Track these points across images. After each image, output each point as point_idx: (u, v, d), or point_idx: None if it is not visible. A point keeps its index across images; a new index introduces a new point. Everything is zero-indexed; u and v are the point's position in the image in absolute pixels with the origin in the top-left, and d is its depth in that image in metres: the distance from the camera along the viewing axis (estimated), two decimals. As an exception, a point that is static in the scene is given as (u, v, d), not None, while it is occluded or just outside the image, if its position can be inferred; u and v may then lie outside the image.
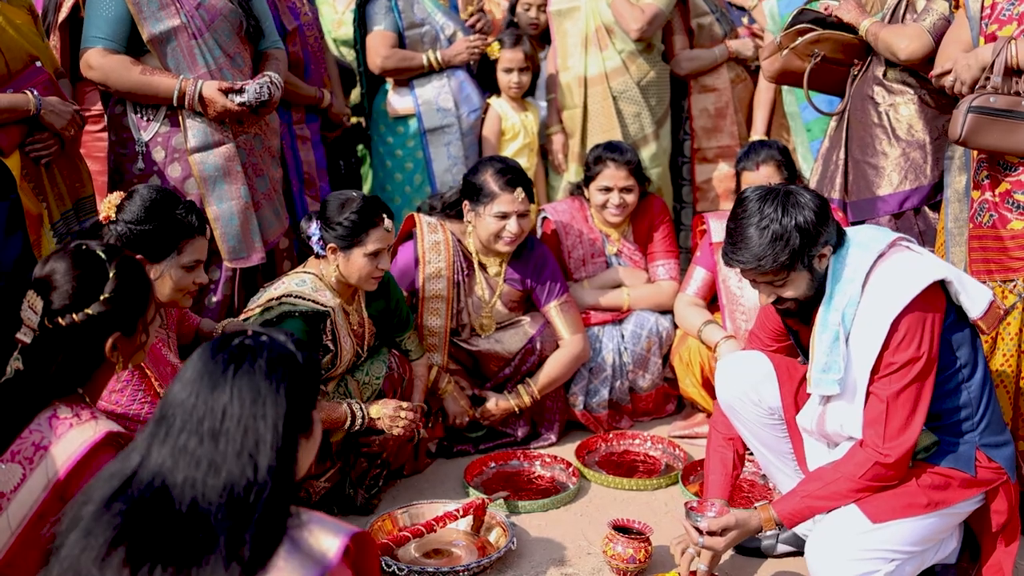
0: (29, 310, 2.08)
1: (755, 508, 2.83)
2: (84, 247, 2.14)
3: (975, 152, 3.29)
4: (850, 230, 2.78)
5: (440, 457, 4.00)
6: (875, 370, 2.65)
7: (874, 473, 2.65)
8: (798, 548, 3.17)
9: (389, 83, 4.77)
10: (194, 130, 3.57)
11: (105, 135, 3.63)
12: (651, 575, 3.10)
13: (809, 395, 2.84)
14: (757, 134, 4.86)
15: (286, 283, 3.44)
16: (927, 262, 2.69)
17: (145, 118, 3.59)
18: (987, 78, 3.08)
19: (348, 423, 3.40)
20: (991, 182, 3.22)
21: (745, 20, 5.02)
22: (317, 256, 3.49)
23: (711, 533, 2.79)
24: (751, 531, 2.80)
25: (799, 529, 3.03)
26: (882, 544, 2.64)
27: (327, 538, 1.62)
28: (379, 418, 3.44)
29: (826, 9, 3.95)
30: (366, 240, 3.39)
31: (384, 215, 3.44)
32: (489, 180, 3.91)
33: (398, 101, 4.73)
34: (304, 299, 3.37)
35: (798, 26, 3.93)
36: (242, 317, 3.44)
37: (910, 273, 2.64)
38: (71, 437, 1.99)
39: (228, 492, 1.56)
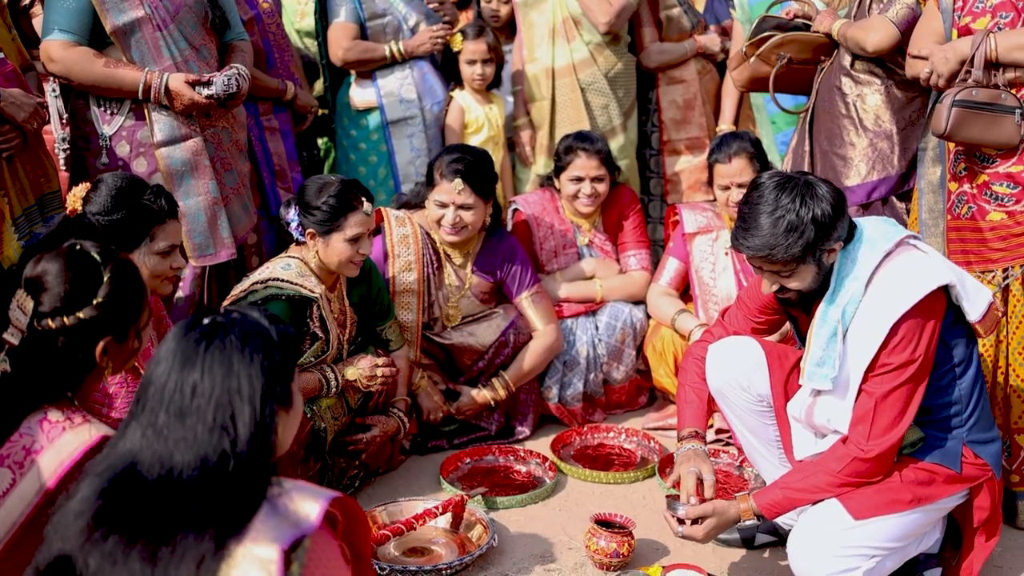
0: (18, 310, 2.01)
1: (735, 498, 2.84)
2: (79, 248, 2.07)
3: (950, 144, 3.32)
4: (861, 222, 2.76)
5: (414, 453, 3.96)
6: (869, 369, 2.64)
7: (853, 469, 2.66)
8: (779, 538, 3.18)
9: (352, 75, 4.70)
10: (160, 124, 3.49)
11: (49, 127, 3.54)
12: (634, 569, 3.09)
13: (800, 384, 2.84)
14: (725, 123, 4.86)
15: (271, 268, 3.40)
16: (933, 264, 2.67)
17: (108, 112, 3.50)
18: (967, 71, 3.11)
19: (324, 389, 3.39)
20: (969, 174, 3.26)
21: (734, 13, 5.01)
22: (297, 243, 3.44)
23: (693, 522, 2.79)
24: (730, 520, 2.81)
25: (781, 520, 3.05)
26: (863, 541, 2.65)
27: (307, 503, 1.63)
28: (355, 379, 3.43)
29: (787, 14, 3.98)
30: (344, 225, 3.34)
31: (363, 198, 3.40)
32: (437, 166, 3.90)
33: (360, 93, 4.66)
34: (291, 283, 3.32)
35: (761, 35, 3.95)
36: (226, 303, 3.39)
37: (915, 276, 2.62)
38: (65, 441, 1.93)
39: (202, 465, 1.57)
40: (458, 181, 3.83)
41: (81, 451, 1.91)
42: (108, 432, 1.97)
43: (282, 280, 3.33)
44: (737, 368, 2.97)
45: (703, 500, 2.83)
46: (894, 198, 3.81)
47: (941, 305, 2.66)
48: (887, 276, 2.65)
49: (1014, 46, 3.07)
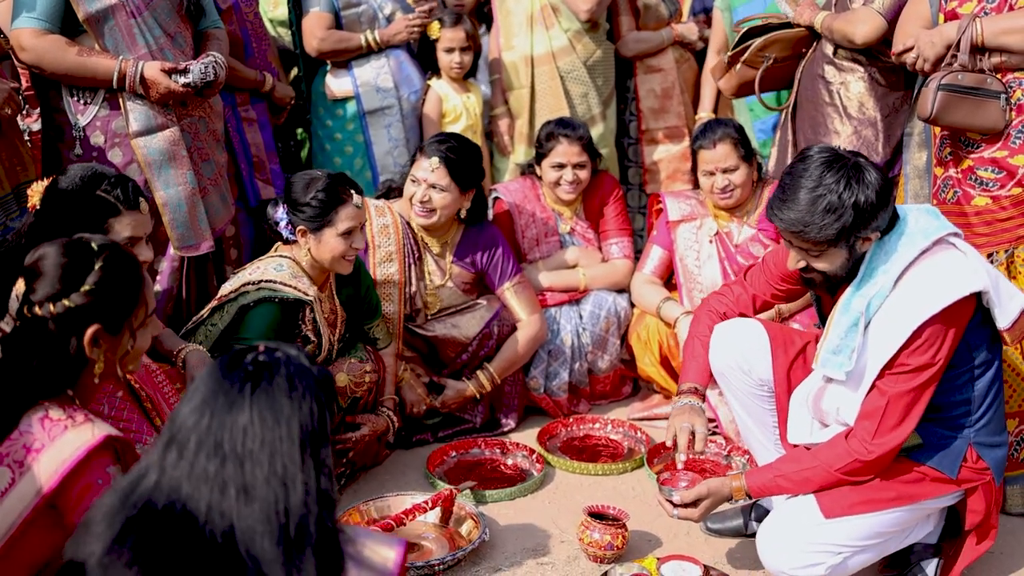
0: (13, 298, 1.95)
1: (728, 476, 2.84)
2: (80, 238, 2.03)
3: (936, 129, 3.32)
4: (905, 212, 2.67)
5: (398, 447, 3.90)
6: (887, 366, 2.59)
7: (850, 468, 2.63)
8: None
9: (328, 64, 4.63)
10: (135, 113, 3.40)
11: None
12: (627, 561, 3.05)
13: (803, 373, 2.82)
14: (705, 111, 4.84)
15: (262, 268, 3.32)
16: (968, 267, 2.58)
17: (82, 101, 3.41)
18: (953, 56, 3.11)
19: None
20: (954, 159, 3.25)
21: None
22: (286, 241, 3.37)
23: (686, 505, 2.79)
24: (723, 499, 2.81)
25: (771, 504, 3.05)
26: (831, 538, 2.64)
27: (383, 549, 1.63)
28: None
29: (766, 19, 3.97)
30: (336, 219, 3.28)
31: (352, 191, 3.34)
32: (423, 146, 3.89)
33: (336, 83, 4.60)
34: (285, 285, 3.25)
35: (744, 44, 3.94)
36: (214, 303, 3.31)
37: (948, 279, 2.54)
38: (67, 440, 1.86)
39: (267, 519, 1.48)
40: (435, 159, 3.78)
41: (84, 451, 1.85)
42: (112, 432, 1.91)
43: (276, 282, 3.26)
44: (739, 351, 2.94)
45: (693, 460, 2.82)
46: (877, 186, 3.81)
47: (969, 309, 2.59)
48: (919, 274, 2.58)
49: (1000, 31, 3.08)
